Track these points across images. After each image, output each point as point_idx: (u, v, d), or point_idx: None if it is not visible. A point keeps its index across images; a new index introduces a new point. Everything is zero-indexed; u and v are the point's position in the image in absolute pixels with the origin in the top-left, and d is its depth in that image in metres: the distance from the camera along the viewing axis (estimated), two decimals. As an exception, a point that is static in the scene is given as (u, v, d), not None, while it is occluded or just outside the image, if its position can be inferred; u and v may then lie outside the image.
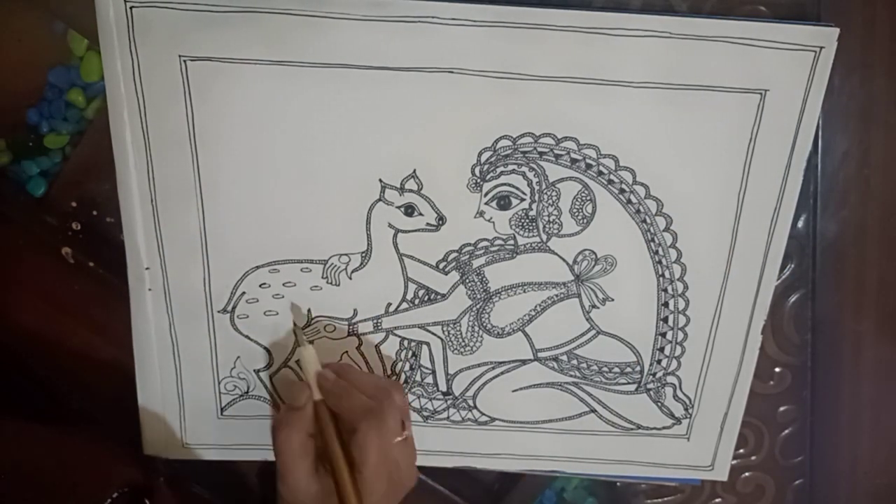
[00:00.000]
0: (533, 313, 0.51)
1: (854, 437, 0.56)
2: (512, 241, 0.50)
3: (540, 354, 0.53)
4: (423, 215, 0.49)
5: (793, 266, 0.53)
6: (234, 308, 0.50)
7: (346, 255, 0.49)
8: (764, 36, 0.45)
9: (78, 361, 0.51)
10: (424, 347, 0.52)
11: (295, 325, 0.50)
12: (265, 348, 0.52)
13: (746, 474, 0.58)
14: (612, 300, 0.51)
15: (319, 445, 0.46)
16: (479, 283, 0.51)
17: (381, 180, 0.48)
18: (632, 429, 0.55)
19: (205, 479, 0.55)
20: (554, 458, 0.55)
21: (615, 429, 0.55)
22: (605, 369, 0.53)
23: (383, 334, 0.52)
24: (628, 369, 0.53)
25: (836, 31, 0.45)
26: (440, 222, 0.49)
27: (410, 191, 0.48)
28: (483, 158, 0.48)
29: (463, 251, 0.50)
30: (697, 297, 0.51)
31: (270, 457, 0.54)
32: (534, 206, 0.49)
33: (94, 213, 0.50)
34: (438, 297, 0.51)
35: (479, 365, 0.53)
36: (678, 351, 0.53)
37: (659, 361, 0.53)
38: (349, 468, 0.44)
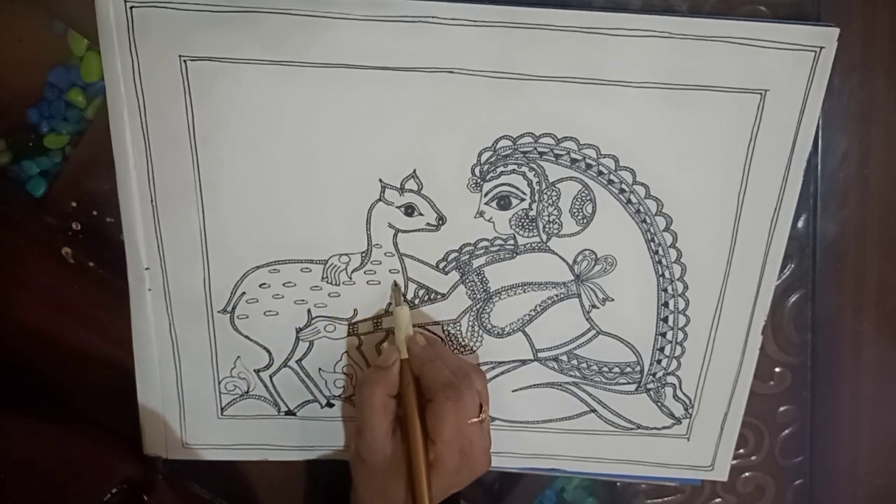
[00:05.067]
0: (533, 313, 0.51)
1: (854, 437, 0.56)
2: (512, 241, 0.50)
3: (540, 354, 0.53)
4: (423, 215, 0.49)
5: (793, 266, 0.53)
6: (234, 308, 0.50)
7: (346, 255, 0.49)
8: (764, 36, 0.45)
9: (78, 361, 0.51)
10: (424, 347, 0.52)
11: (395, 284, 0.50)
12: (265, 348, 0.52)
13: (746, 474, 0.58)
14: (612, 300, 0.51)
15: (400, 410, 0.47)
16: (479, 283, 0.51)
17: (381, 180, 0.48)
18: (632, 429, 0.55)
19: (205, 478, 0.55)
20: (554, 458, 0.55)
21: (615, 429, 0.54)
22: (605, 369, 0.53)
23: (383, 334, 0.52)
24: (628, 369, 0.53)
25: (836, 31, 0.45)
26: (440, 222, 0.49)
27: (410, 191, 0.48)
28: (483, 158, 0.48)
29: (463, 251, 0.50)
30: (697, 297, 0.51)
31: (270, 456, 0.54)
32: (534, 206, 0.49)
33: (94, 213, 0.50)
34: (438, 297, 0.51)
35: (479, 365, 0.53)
36: (678, 351, 0.53)
37: (659, 361, 0.53)
38: (423, 437, 0.45)
